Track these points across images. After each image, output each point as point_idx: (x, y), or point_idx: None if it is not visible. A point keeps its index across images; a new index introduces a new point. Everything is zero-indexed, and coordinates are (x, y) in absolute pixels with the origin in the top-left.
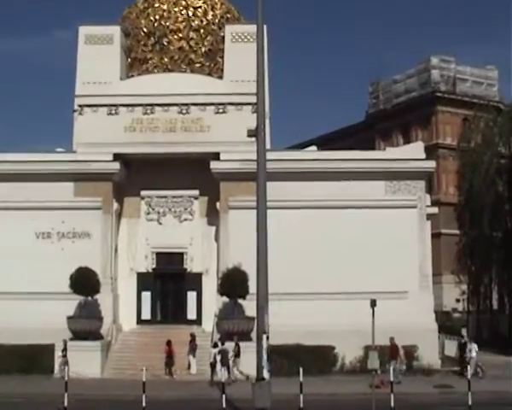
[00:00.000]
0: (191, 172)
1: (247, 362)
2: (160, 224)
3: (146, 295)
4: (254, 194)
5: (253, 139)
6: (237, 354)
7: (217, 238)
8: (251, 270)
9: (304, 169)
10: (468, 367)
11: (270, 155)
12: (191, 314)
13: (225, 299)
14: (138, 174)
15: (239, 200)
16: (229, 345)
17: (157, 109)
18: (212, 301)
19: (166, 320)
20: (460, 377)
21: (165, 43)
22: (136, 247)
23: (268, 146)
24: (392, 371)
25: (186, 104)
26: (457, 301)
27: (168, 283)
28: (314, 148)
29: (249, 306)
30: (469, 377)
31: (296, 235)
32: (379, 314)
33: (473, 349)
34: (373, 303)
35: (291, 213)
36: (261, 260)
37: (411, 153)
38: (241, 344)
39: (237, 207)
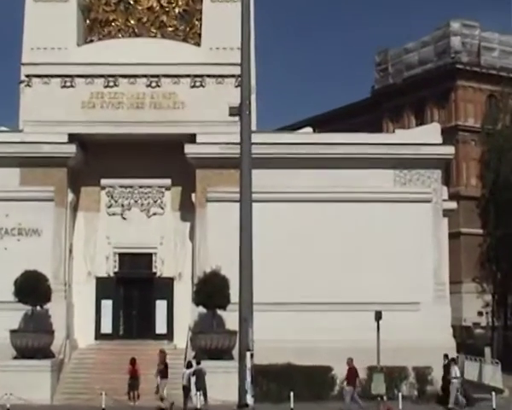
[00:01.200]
0: (162, 158)
1: (227, 385)
2: (125, 219)
3: (106, 305)
4: (237, 184)
5: (237, 119)
6: (164, 375)
7: (192, 237)
8: (233, 275)
9: (297, 155)
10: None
11: (256, 138)
12: (161, 328)
13: (202, 309)
14: (98, 159)
15: (219, 191)
16: (210, 364)
17: (121, 81)
18: (186, 311)
19: (131, 335)
20: (444, 407)
21: (132, 2)
22: (95, 246)
23: (254, 127)
24: (347, 399)
25: (156, 76)
26: (480, 314)
27: (133, 290)
28: (309, 130)
29: (230, 318)
30: (450, 405)
31: (287, 233)
32: (385, 329)
33: (454, 372)
34: (378, 316)
35: (281, 208)
36: (245, 264)
37: (426, 136)
38: (221, 363)
39: (217, 199)
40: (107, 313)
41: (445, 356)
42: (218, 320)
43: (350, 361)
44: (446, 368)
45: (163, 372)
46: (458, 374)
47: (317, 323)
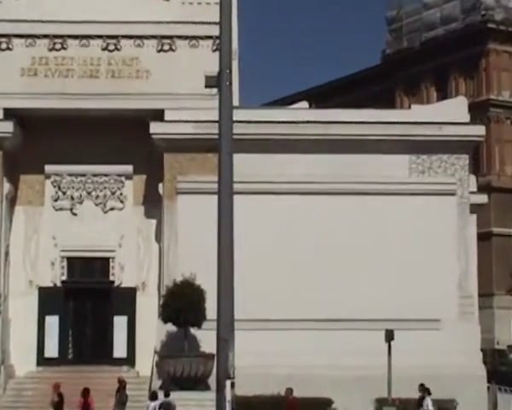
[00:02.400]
0: (122, 139)
1: None
2: (75, 215)
3: (52, 322)
4: (215, 172)
5: (214, 91)
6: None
7: (159, 237)
8: (209, 284)
9: (289, 136)
10: None
11: (238, 115)
12: (120, 350)
13: (171, 328)
14: (42, 141)
15: (192, 180)
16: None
17: (71, 43)
18: (152, 330)
19: (82, 359)
20: None
21: None
22: (37, 249)
23: (236, 102)
24: None
25: (114, 36)
26: None
27: (86, 303)
28: (305, 104)
29: (206, 338)
30: None
31: (278, 234)
32: (398, 353)
33: (426, 405)
34: (389, 336)
35: (270, 202)
36: (225, 271)
37: (449, 113)
38: (194, 395)
39: (189, 190)
40: (53, 333)
41: (421, 386)
42: (192, 341)
43: (289, 392)
44: (420, 401)
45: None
46: (431, 408)
47: (314, 345)
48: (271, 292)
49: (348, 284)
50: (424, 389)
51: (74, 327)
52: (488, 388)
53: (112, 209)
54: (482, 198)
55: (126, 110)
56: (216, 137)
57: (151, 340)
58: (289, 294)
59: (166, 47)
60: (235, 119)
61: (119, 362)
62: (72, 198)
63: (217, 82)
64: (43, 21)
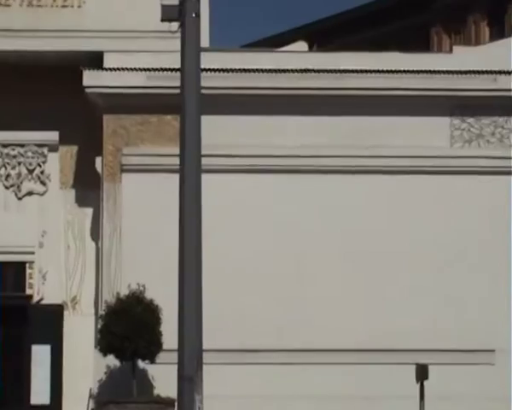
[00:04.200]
0: (43, 95)
1: None
2: None
3: None
4: (175, 141)
5: (175, 27)
6: None
7: (96, 233)
8: (166, 300)
9: (281, 91)
10: None
11: (209, 60)
12: (40, 394)
13: (113, 361)
14: None
15: (143, 153)
16: None
17: None
18: (86, 364)
19: None
20: None
21: None
22: None
23: (206, 42)
24: None
25: None
26: None
27: None
28: (303, 46)
29: (163, 376)
30: None
31: (264, 227)
32: (434, 397)
33: None
34: (422, 373)
35: (253, 184)
36: (189, 281)
37: (507, 59)
38: None
39: (139, 167)
40: None
41: None
42: (142, 380)
43: None
44: None
45: None
46: None
47: (314, 385)
48: (255, 311)
49: (362, 301)
50: None
51: None
52: None
53: (29, 194)
54: None
55: (49, 53)
56: (177, 91)
57: (85, 378)
58: (281, 314)
59: None
60: (204, 66)
61: None
62: None
63: (178, 13)
64: None
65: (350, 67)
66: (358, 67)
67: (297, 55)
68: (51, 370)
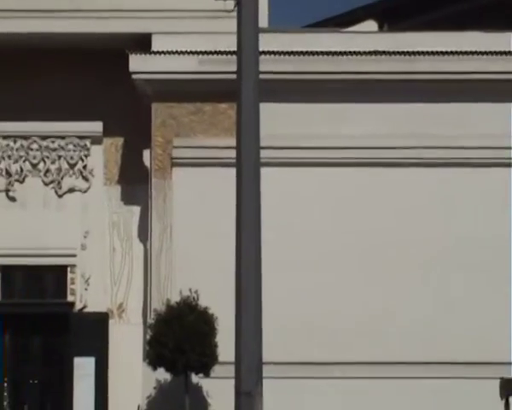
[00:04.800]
0: (85, 82)
1: None
2: (12, 199)
3: None
4: (230, 132)
5: (230, 5)
6: None
7: (144, 233)
8: (222, 307)
9: (347, 75)
10: None
11: (267, 42)
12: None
13: (164, 375)
14: None
15: (196, 145)
16: None
17: None
18: (134, 378)
19: None
20: None
21: None
22: None
23: (265, 23)
24: None
25: None
26: None
27: (29, 338)
28: (372, 25)
29: (217, 390)
30: None
31: (331, 225)
32: None
33: None
34: (507, 387)
35: (318, 177)
36: (248, 286)
37: None
38: None
39: (192, 161)
40: None
41: None
42: (195, 396)
43: None
44: None
45: None
46: None
47: (388, 403)
48: (320, 319)
49: (443, 309)
50: None
51: (12, 376)
52: None
53: (70, 191)
54: None
55: (91, 35)
56: (233, 77)
57: (133, 394)
58: (349, 323)
59: None
60: (262, 48)
61: None
62: (9, 174)
63: None
64: None
65: (424, 49)
66: (433, 49)
67: (365, 35)
68: (95, 384)
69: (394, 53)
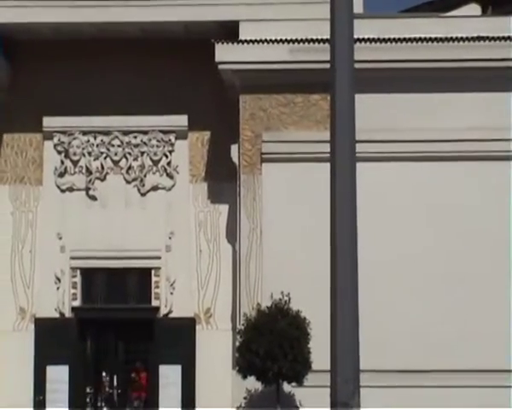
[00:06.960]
0: (169, 75)
1: None
2: (93, 198)
3: (57, 374)
4: (322, 124)
5: None
6: None
7: (232, 233)
8: (315, 312)
9: (448, 63)
10: None
11: (362, 28)
12: None
13: (254, 384)
14: (37, 78)
15: (287, 139)
16: None
17: None
18: (223, 387)
19: None
20: None
21: None
22: (32, 255)
23: (359, 8)
24: None
25: None
26: None
27: (113, 344)
28: (475, 9)
29: (311, 400)
30: None
31: (432, 224)
32: None
33: None
34: None
35: (419, 173)
36: (344, 290)
37: None
38: None
39: (282, 156)
40: (59, 392)
41: None
42: (288, 406)
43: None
44: None
45: None
46: None
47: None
48: (419, 324)
49: None
50: None
51: (94, 383)
52: None
53: (154, 189)
54: None
55: (175, 24)
56: (326, 66)
57: (221, 404)
58: (447, 328)
59: None
60: (357, 35)
61: None
62: (89, 171)
63: None
64: None
65: None
66: None
67: (468, 20)
68: (182, 393)
69: (499, 38)
